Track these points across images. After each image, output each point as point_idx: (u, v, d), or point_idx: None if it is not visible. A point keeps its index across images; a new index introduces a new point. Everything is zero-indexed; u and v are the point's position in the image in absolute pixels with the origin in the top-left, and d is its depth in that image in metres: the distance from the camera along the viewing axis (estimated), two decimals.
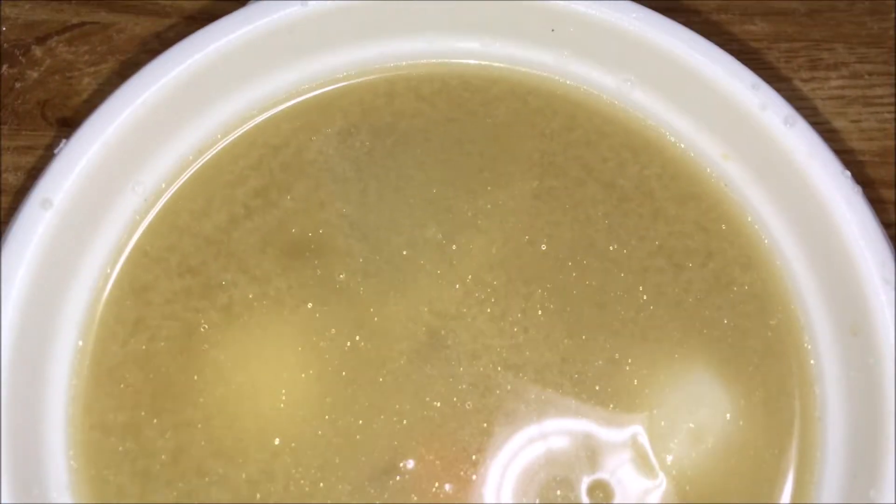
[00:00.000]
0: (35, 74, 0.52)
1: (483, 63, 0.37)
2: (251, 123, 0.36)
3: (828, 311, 0.32)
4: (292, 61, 0.36)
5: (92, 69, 0.52)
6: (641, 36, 0.34)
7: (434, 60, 0.37)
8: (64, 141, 0.32)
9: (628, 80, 0.36)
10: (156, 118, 0.34)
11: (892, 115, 0.49)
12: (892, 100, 0.50)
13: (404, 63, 0.37)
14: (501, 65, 0.37)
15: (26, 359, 0.30)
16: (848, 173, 0.31)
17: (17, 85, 0.51)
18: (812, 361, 0.32)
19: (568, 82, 0.37)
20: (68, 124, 0.48)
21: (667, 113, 0.36)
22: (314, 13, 0.35)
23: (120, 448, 0.31)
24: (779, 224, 0.34)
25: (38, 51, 0.52)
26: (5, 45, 0.53)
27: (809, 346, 0.32)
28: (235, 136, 0.36)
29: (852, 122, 0.49)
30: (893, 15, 0.52)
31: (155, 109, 0.33)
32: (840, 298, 0.31)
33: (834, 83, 0.51)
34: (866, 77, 0.51)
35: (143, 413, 0.31)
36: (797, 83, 0.51)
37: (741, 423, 0.31)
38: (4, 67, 0.52)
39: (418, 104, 0.37)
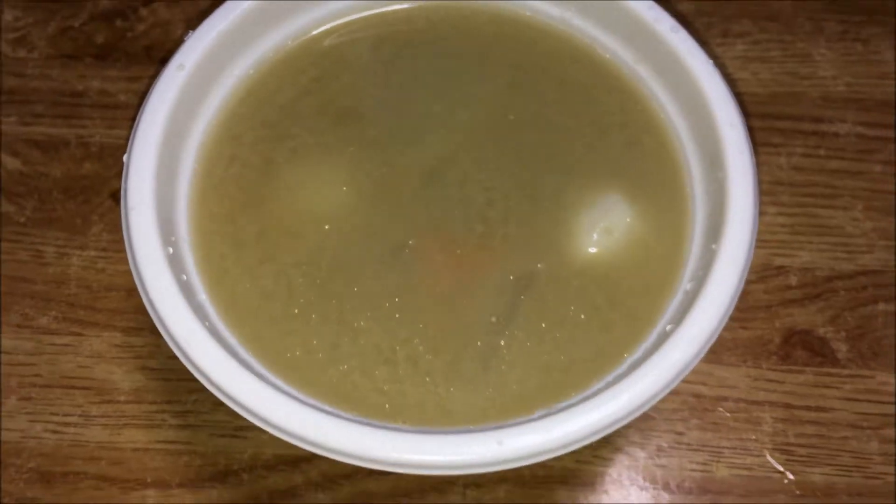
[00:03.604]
0: (142, 27, 0.68)
1: (476, 1, 0.53)
2: (310, 35, 0.52)
3: (700, 153, 0.47)
4: None
5: (184, 24, 0.68)
6: None
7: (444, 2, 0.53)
8: (190, 32, 0.48)
9: (570, 10, 0.52)
10: (248, 26, 0.49)
11: (782, 70, 0.65)
12: (782, 59, 0.66)
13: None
14: (487, 1, 0.53)
15: (164, 172, 0.45)
16: (711, 61, 0.47)
17: (128, 34, 0.68)
18: (688, 189, 0.47)
19: (528, 13, 0.53)
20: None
21: (599, 34, 0.51)
22: None
23: (221, 229, 0.46)
24: (671, 105, 0.49)
25: (144, 11, 0.69)
26: (119, 6, 0.69)
27: (687, 178, 0.47)
28: (298, 42, 0.52)
29: (752, 74, 0.65)
30: None
31: (248, 17, 0.49)
32: (706, 142, 0.46)
33: (740, 47, 0.67)
34: (764, 43, 0.67)
35: (236, 208, 0.46)
36: (713, 46, 0.67)
37: (639, 223, 0.46)
38: (118, 21, 0.68)
39: (429, 27, 0.53)
